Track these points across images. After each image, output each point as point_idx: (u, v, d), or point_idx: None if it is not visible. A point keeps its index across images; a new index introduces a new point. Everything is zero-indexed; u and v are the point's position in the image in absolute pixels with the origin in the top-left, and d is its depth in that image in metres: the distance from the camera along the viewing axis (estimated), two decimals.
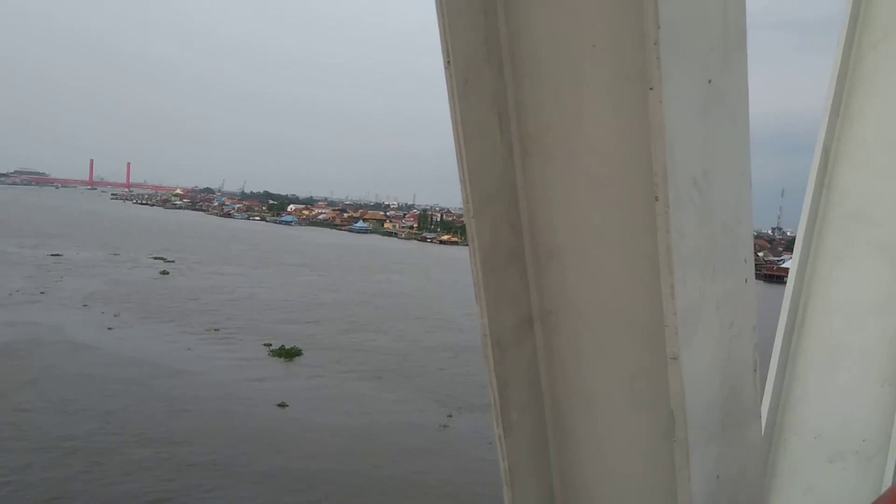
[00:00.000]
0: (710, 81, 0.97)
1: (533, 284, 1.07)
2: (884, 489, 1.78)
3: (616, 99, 0.93)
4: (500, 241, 1.03)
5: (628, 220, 0.95)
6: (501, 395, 1.06)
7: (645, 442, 1.01)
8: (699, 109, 0.95)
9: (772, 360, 2.05)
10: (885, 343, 1.93)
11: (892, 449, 1.80)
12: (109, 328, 30.38)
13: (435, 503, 16.03)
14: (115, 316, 32.74)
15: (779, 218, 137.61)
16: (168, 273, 47.92)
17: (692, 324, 0.94)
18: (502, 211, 1.04)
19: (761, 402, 1.62)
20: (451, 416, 22.18)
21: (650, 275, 0.94)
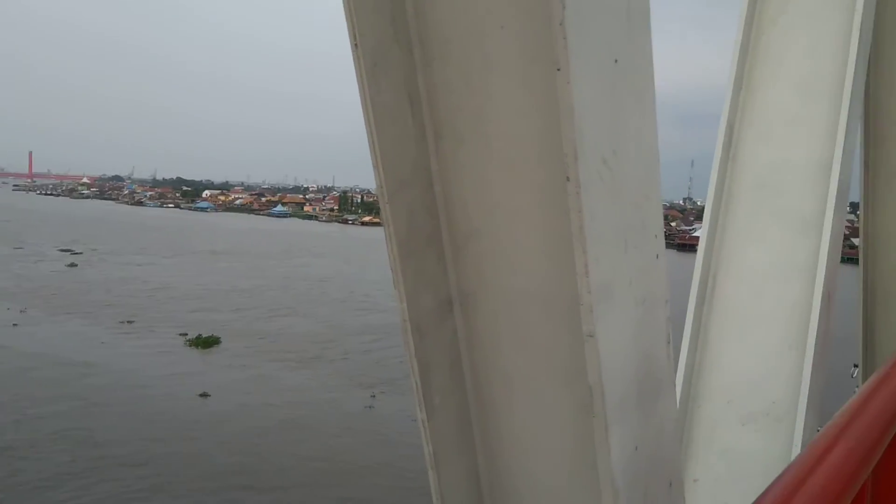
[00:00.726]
0: (616, 61, 0.98)
1: (451, 268, 1.07)
2: (793, 447, 1.87)
3: (525, 80, 0.93)
4: (417, 226, 1.02)
5: (541, 201, 0.96)
6: (423, 379, 1.06)
7: (565, 418, 1.03)
8: (606, 89, 0.96)
9: (685, 329, 2.11)
10: (791, 308, 2.02)
11: (800, 408, 1.89)
12: (15, 324, 29.08)
13: (361, 482, 16.08)
14: (21, 312, 31.34)
15: (689, 188, 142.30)
16: (76, 265, 46.09)
17: (607, 301, 0.96)
18: (417, 195, 1.03)
19: (675, 372, 1.67)
20: (374, 397, 22.20)
21: (564, 254, 0.94)
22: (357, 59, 0.96)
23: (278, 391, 22.31)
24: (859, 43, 2.11)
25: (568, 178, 0.90)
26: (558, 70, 0.88)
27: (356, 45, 0.96)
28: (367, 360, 26.12)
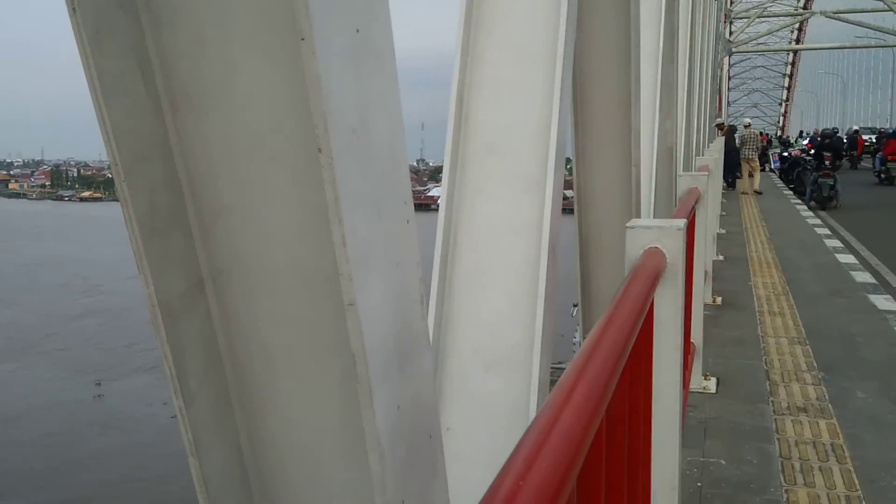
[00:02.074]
0: (358, 31, 0.99)
1: (200, 246, 1.02)
2: (531, 386, 2.04)
3: (269, 50, 0.90)
4: (159, 204, 0.96)
5: (294, 173, 0.94)
6: (178, 364, 1.01)
7: (329, 387, 1.04)
8: (351, 59, 0.96)
9: (432, 286, 2.21)
10: (523, 260, 2.19)
11: (535, 351, 2.07)
12: None
13: (86, 479, 14.89)
14: None
15: (421, 150, 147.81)
16: None
17: (364, 269, 0.97)
18: (157, 171, 0.96)
19: (428, 330, 1.75)
20: (99, 385, 20.51)
21: (320, 225, 0.94)
22: (76, 25, 0.87)
23: None
24: (568, 9, 2.30)
25: (319, 150, 0.90)
26: (302, 40, 0.87)
27: (74, 9, 0.86)
28: (92, 347, 24.04)
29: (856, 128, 33.33)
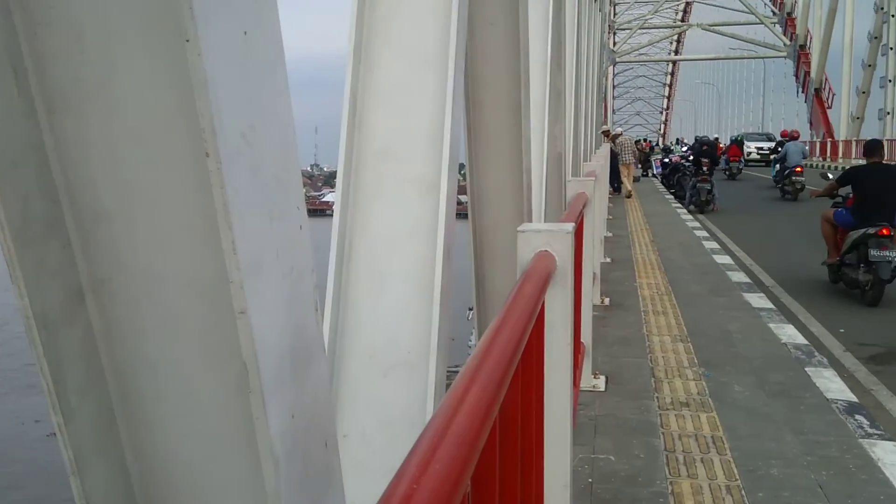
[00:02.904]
0: (245, 33, 0.97)
1: (80, 254, 0.97)
2: (427, 390, 2.06)
3: (153, 51, 0.87)
4: (34, 212, 0.91)
5: (181, 178, 0.91)
6: (56, 379, 0.96)
7: (221, 399, 1.01)
8: (239, 62, 0.94)
9: (327, 292, 2.19)
10: (418, 265, 2.20)
11: (431, 354, 2.09)
12: None
13: None
14: None
15: (315, 155, 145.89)
16: None
17: (256, 276, 0.95)
18: (31, 177, 0.91)
19: (324, 336, 1.73)
20: None
21: (209, 232, 0.91)
22: None
23: None
24: (458, 15, 2.33)
25: (207, 154, 0.87)
26: (187, 41, 0.84)
27: None
28: None
29: (716, 135, 35.78)
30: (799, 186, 18.86)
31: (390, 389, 2.13)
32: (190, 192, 0.91)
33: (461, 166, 3.02)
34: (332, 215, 2.29)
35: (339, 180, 2.26)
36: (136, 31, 0.88)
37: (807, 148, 23.11)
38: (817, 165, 31.50)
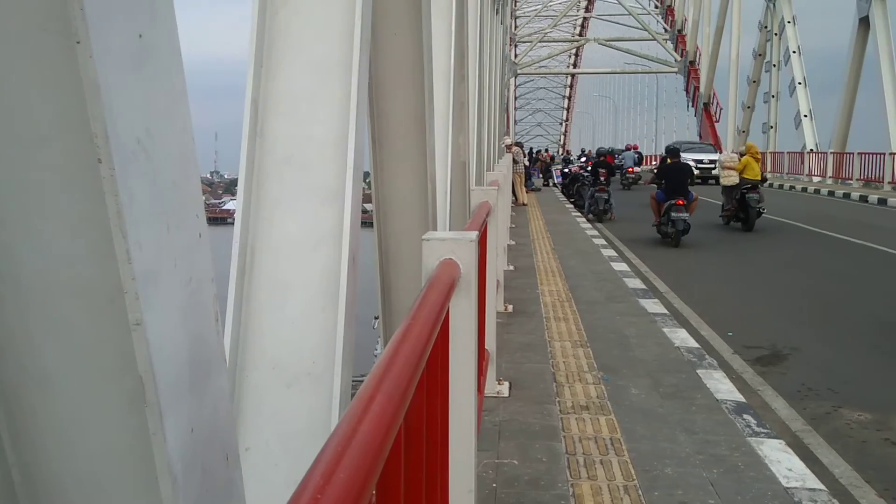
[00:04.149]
0: (140, 36, 0.94)
1: None
2: (333, 401, 2.04)
3: (41, 53, 0.83)
4: None
5: (72, 185, 0.88)
6: None
7: (116, 413, 0.97)
8: (133, 66, 0.92)
9: (228, 302, 2.14)
10: (322, 273, 2.18)
11: (336, 365, 2.07)
12: None
13: None
14: None
15: (215, 162, 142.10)
16: None
17: (152, 286, 0.92)
18: None
19: (225, 347, 1.69)
20: None
21: (102, 241, 0.88)
22: None
23: None
24: (362, 25, 2.33)
25: (100, 160, 0.84)
26: (78, 43, 0.81)
27: None
28: None
29: (610, 146, 37.38)
30: (631, 180, 27.54)
31: (294, 401, 2.10)
32: (82, 200, 0.88)
33: (366, 175, 3.02)
34: (233, 223, 2.25)
35: (240, 188, 2.22)
36: (23, 32, 0.84)
37: (636, 156, 31.03)
38: None
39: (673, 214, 12.59)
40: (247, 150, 2.25)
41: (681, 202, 12.56)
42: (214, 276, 1.15)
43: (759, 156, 15.58)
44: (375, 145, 3.82)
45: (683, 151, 27.97)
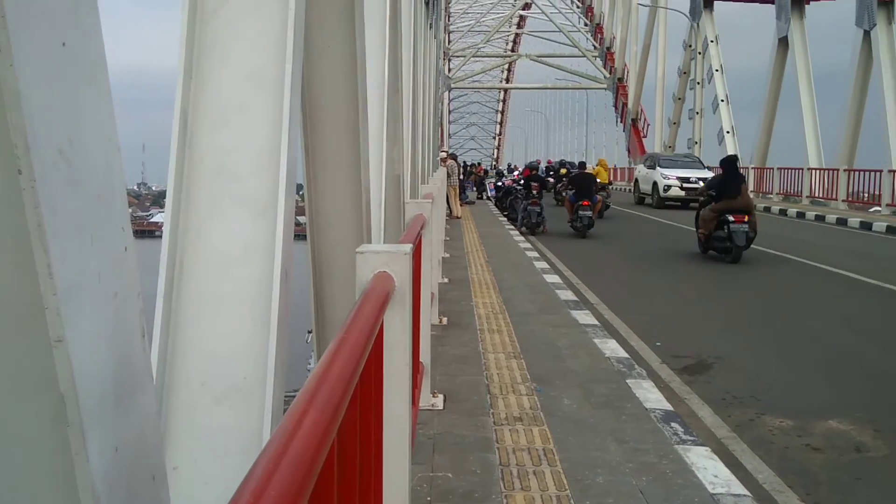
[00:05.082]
0: (64, 44, 0.92)
1: None
2: (265, 417, 2.00)
3: None
4: None
5: None
6: None
7: (36, 433, 0.93)
8: (56, 75, 0.89)
9: (156, 317, 2.09)
10: (253, 287, 2.15)
11: (268, 380, 2.04)
12: None
13: None
14: None
15: (143, 173, 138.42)
16: None
17: (76, 302, 0.89)
18: None
19: (152, 364, 1.64)
20: None
21: (21, 254, 0.85)
22: None
23: None
24: (294, 37, 2.31)
25: (20, 171, 0.82)
26: None
27: None
28: None
29: (538, 159, 38.44)
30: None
31: (224, 417, 2.06)
32: (1, 212, 0.85)
33: (299, 187, 2.99)
34: (161, 237, 2.19)
35: (168, 200, 2.17)
36: None
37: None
38: (625, 189, 33.87)
39: (580, 213, 16.39)
40: (176, 161, 2.20)
41: (586, 203, 16.45)
42: (141, 290, 1.12)
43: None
44: (309, 157, 3.79)
45: (662, 167, 26.55)
